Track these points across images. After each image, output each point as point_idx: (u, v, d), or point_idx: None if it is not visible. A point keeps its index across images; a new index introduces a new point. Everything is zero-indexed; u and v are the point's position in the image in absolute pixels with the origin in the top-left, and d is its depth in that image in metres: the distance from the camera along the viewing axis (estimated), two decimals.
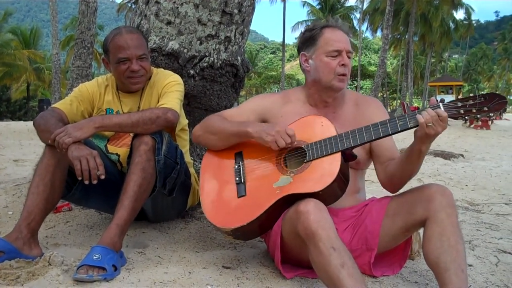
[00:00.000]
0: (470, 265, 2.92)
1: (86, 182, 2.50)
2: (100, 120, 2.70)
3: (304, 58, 2.77)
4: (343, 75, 2.64)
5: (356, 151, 2.48)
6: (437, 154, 10.40)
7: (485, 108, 2.25)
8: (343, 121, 2.71)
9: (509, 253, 3.26)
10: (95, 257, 2.36)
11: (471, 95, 2.31)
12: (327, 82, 2.65)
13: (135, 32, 3.02)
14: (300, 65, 2.83)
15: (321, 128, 2.53)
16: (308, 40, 2.74)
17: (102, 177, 2.53)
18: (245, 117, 2.79)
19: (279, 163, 2.53)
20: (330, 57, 2.64)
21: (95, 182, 2.51)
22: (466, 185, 6.82)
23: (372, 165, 2.79)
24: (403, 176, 2.55)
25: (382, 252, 2.62)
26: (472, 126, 24.83)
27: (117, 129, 2.77)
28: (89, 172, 2.49)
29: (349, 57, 2.67)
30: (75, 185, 2.86)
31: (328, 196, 2.35)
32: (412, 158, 2.43)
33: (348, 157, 2.44)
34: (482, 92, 2.37)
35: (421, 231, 2.51)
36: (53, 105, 3.03)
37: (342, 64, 2.63)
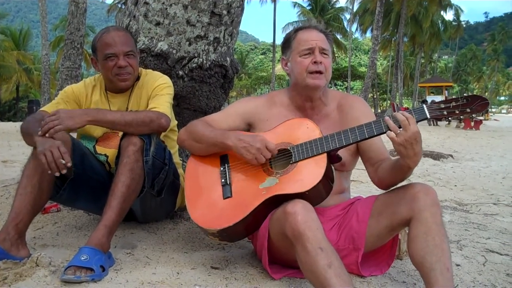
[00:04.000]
0: (458, 265, 2.94)
1: (56, 174, 2.46)
2: (94, 114, 2.69)
3: (284, 62, 2.81)
4: (317, 72, 2.63)
5: (340, 153, 2.49)
6: (427, 154, 10.44)
7: (468, 110, 2.27)
8: (328, 122, 2.72)
9: (497, 252, 3.29)
10: (83, 258, 2.35)
11: (453, 97, 2.33)
12: (302, 81, 2.66)
13: (122, 30, 3.05)
14: (283, 69, 2.86)
15: (306, 130, 2.54)
16: (285, 44, 2.79)
17: (69, 164, 2.47)
18: (230, 121, 2.79)
19: (265, 165, 2.53)
20: (303, 56, 2.65)
21: (64, 171, 2.47)
22: (455, 186, 6.85)
23: (358, 166, 2.80)
24: (393, 181, 2.55)
25: (369, 251, 2.63)
26: (462, 126, 24.96)
27: (109, 126, 2.77)
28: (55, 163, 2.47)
29: (324, 54, 2.66)
30: (63, 186, 2.84)
31: (313, 197, 2.36)
32: (400, 171, 2.44)
33: (333, 158, 2.46)
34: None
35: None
36: (40, 109, 3.03)
37: (314, 62, 2.62)
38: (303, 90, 2.71)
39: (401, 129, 2.26)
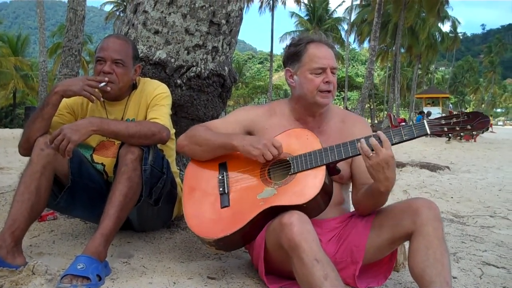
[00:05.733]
0: (454, 277, 2.93)
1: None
2: (98, 123, 2.68)
3: (289, 73, 2.78)
4: (327, 91, 2.65)
5: (340, 165, 2.49)
6: (423, 166, 10.44)
7: (469, 126, 2.28)
8: (328, 136, 2.73)
9: (493, 265, 3.28)
10: (79, 267, 2.35)
11: (454, 113, 2.33)
12: (311, 98, 2.66)
13: (122, 39, 3.05)
14: (286, 80, 2.83)
15: (306, 141, 2.54)
16: (292, 56, 2.75)
17: None
18: (230, 128, 2.78)
19: (264, 175, 2.53)
20: (314, 74, 2.64)
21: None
22: (452, 197, 6.84)
23: None
24: (367, 205, 2.58)
25: (367, 264, 2.62)
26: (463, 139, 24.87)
27: (111, 136, 2.77)
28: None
29: (333, 73, 2.67)
30: (60, 193, 2.84)
31: (311, 209, 2.36)
32: (371, 195, 2.48)
33: (332, 171, 2.46)
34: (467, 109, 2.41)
35: (406, 243, 2.52)
36: None
37: (326, 81, 2.63)
38: (309, 105, 2.72)
39: (373, 152, 2.28)
